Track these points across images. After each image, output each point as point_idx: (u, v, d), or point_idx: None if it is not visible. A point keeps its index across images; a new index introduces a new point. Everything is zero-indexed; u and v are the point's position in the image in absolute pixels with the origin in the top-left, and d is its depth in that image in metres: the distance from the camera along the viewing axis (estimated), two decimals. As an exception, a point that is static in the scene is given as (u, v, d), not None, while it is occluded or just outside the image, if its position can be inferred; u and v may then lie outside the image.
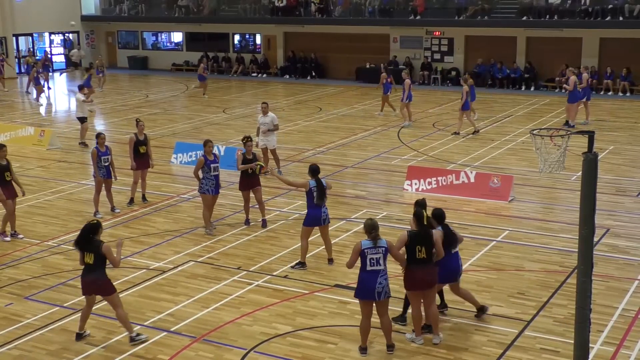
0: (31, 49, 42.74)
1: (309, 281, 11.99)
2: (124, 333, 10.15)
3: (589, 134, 7.45)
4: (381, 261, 9.25)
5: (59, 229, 14.78)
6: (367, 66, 37.45)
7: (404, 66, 34.07)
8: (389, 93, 26.90)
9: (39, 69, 32.73)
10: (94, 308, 10.92)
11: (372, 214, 15.37)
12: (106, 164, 15.34)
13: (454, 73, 35.50)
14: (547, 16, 33.24)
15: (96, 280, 9.69)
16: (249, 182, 14.55)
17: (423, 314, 9.87)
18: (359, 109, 29.25)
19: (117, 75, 37.24)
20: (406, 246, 9.51)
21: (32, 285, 11.95)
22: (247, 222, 14.85)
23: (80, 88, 23.41)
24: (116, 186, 16.14)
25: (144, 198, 16.47)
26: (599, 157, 7.55)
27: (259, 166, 14.36)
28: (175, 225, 14.93)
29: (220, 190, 14.52)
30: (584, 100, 24.72)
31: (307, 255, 12.70)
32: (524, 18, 33.90)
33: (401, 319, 10.35)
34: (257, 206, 14.84)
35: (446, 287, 10.62)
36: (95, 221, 9.89)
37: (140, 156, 16.12)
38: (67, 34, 44.79)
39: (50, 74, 36.63)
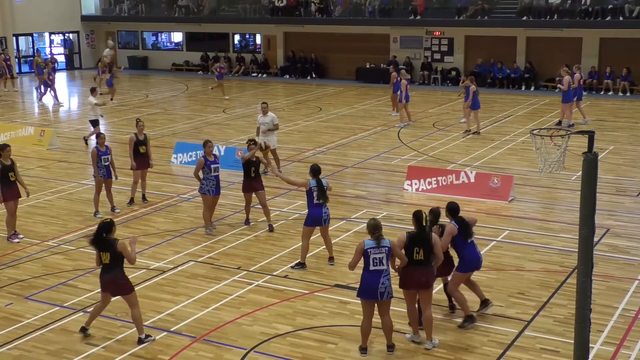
0: (39, 50, 42.68)
1: (309, 281, 11.99)
2: (124, 333, 10.17)
3: (589, 134, 7.45)
4: (384, 261, 9.26)
5: (59, 229, 14.78)
6: (367, 66, 37.46)
7: (403, 66, 34.02)
8: (399, 92, 26.85)
9: (50, 70, 32.50)
10: (93, 308, 10.94)
11: (372, 214, 15.37)
12: (106, 163, 15.35)
13: (454, 73, 35.50)
14: (547, 16, 33.23)
15: (114, 280, 9.72)
16: (252, 184, 14.47)
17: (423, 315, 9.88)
18: (359, 109, 29.25)
19: (116, 76, 37.22)
20: (405, 247, 9.52)
21: (32, 285, 11.95)
22: (247, 222, 14.84)
23: (93, 90, 22.89)
24: (116, 186, 16.14)
25: (144, 198, 16.48)
26: (599, 157, 7.55)
27: (263, 143, 14.87)
28: (175, 225, 14.93)
29: (221, 191, 14.49)
30: (575, 100, 24.76)
31: (307, 255, 12.71)
32: (524, 18, 33.89)
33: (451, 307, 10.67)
34: (258, 207, 14.82)
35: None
36: (108, 219, 9.91)
37: (140, 156, 16.12)
38: (67, 34, 44.76)
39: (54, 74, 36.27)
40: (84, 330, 10.12)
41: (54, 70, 34.25)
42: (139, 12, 43.90)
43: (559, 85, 24.49)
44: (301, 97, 32.67)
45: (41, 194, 17.32)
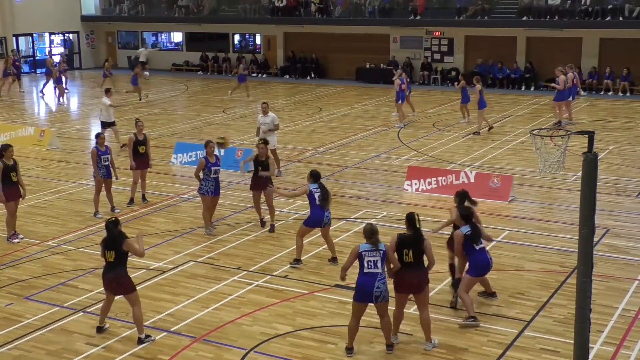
0: (50, 51, 42.67)
1: (309, 281, 11.99)
2: (124, 333, 10.17)
3: (589, 134, 7.45)
4: (378, 264, 9.23)
5: (59, 229, 14.78)
6: (367, 66, 37.46)
7: (400, 67, 33.99)
8: (408, 92, 26.86)
9: (60, 70, 32.29)
10: (93, 308, 10.96)
11: (372, 214, 15.39)
12: (106, 163, 15.35)
13: (454, 73, 35.50)
14: (547, 16, 33.23)
15: (116, 278, 9.78)
16: (261, 181, 14.34)
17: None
18: (359, 109, 29.25)
19: (117, 76, 37.18)
20: (395, 249, 9.51)
21: (32, 285, 11.95)
22: (262, 223, 14.65)
23: (107, 91, 22.50)
24: (116, 186, 16.14)
25: (144, 198, 16.47)
26: (599, 157, 7.55)
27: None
28: (175, 225, 14.93)
29: (220, 192, 14.48)
30: (569, 99, 24.86)
31: (307, 255, 12.72)
32: (524, 18, 33.89)
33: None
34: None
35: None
36: (114, 218, 9.98)
37: (140, 156, 16.12)
38: (67, 34, 44.76)
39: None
40: (99, 329, 10.19)
41: (64, 70, 34.06)
42: (139, 12, 43.89)
43: (554, 85, 24.58)
44: (301, 97, 32.67)
45: (41, 194, 17.32)
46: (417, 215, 9.65)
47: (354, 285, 11.26)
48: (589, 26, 32.36)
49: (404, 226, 9.72)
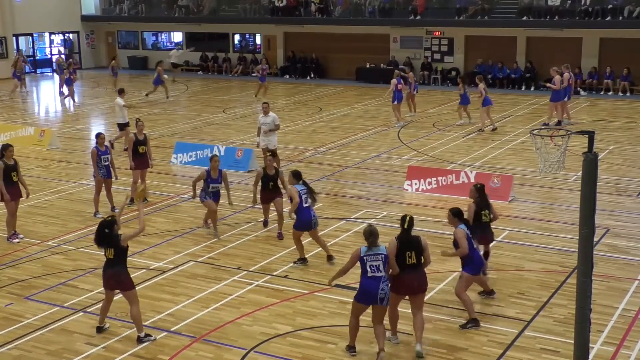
0: (61, 51, 42.62)
1: (309, 281, 11.99)
2: (124, 333, 10.17)
3: (589, 134, 7.45)
4: (381, 267, 9.22)
5: (59, 229, 14.78)
6: (367, 66, 37.46)
7: (395, 67, 33.96)
8: (415, 92, 26.84)
9: (71, 70, 32.12)
10: (93, 308, 10.95)
11: (372, 214, 15.39)
12: (106, 163, 15.35)
13: (454, 73, 35.51)
14: (547, 16, 33.23)
15: (115, 275, 9.79)
16: (270, 196, 14.04)
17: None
18: (359, 109, 29.25)
19: (175, 79, 37.42)
20: (397, 252, 9.47)
21: (32, 285, 11.95)
22: (265, 223, 14.63)
23: (121, 92, 22.12)
24: (116, 186, 16.14)
25: (144, 198, 16.45)
26: (599, 157, 7.55)
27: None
28: (175, 225, 14.92)
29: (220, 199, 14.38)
30: (566, 99, 24.92)
31: (307, 255, 12.74)
32: (524, 18, 33.89)
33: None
34: (257, 207, 14.81)
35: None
36: (110, 217, 10.01)
37: (140, 156, 16.13)
38: (67, 34, 44.77)
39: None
40: (99, 329, 10.20)
41: (74, 71, 33.97)
42: (139, 12, 43.90)
43: (550, 85, 24.65)
44: (301, 97, 32.66)
45: (41, 194, 17.32)
46: (408, 216, 9.62)
47: (354, 286, 11.27)
48: (589, 26, 32.36)
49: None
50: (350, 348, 9.55)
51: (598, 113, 27.53)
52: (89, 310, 10.95)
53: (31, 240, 14.13)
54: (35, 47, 43.24)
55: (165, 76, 31.60)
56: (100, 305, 11.02)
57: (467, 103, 24.91)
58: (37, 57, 43.25)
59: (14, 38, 41.25)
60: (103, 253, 9.94)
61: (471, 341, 9.92)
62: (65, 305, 11.17)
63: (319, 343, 9.90)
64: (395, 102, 25.02)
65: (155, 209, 16.02)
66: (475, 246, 10.48)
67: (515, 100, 30.65)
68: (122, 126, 21.46)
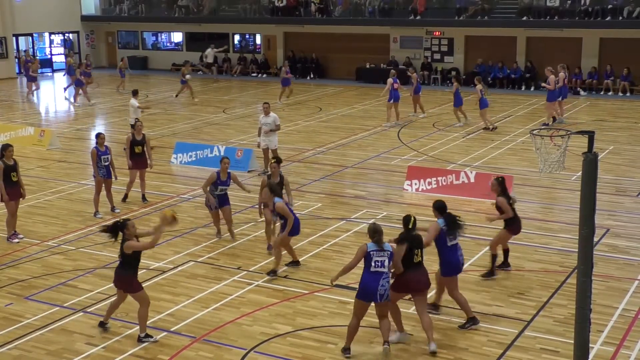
0: (71, 51, 42.58)
1: (309, 281, 11.99)
2: (124, 333, 10.17)
3: (589, 134, 7.45)
4: (385, 264, 9.28)
5: (59, 229, 14.78)
6: (367, 66, 37.46)
7: (393, 67, 33.92)
8: (420, 93, 26.82)
9: (82, 71, 31.85)
10: (93, 308, 10.96)
11: (372, 214, 15.39)
12: (106, 163, 15.35)
13: (454, 73, 35.48)
14: (547, 16, 33.23)
15: (117, 275, 9.90)
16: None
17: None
18: (359, 109, 29.25)
19: (117, 76, 37.24)
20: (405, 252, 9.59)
21: (32, 285, 11.95)
22: (269, 247, 13.21)
23: (135, 93, 22.05)
24: (116, 186, 16.14)
25: (143, 198, 16.47)
26: (599, 157, 7.55)
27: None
28: (176, 225, 14.88)
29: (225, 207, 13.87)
30: (560, 99, 24.98)
31: (307, 255, 12.76)
32: (524, 18, 33.89)
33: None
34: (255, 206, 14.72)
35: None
36: (121, 220, 9.96)
37: (137, 156, 16.14)
38: (67, 34, 44.77)
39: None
40: (102, 324, 10.25)
41: (87, 73, 33.88)
42: (139, 12, 43.90)
43: (545, 85, 24.73)
44: (301, 97, 32.65)
45: (41, 194, 17.32)
46: (413, 217, 9.78)
47: (354, 286, 11.27)
48: (589, 26, 32.36)
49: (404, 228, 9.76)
50: (346, 350, 9.54)
51: (598, 113, 27.53)
52: (89, 310, 10.96)
53: (31, 240, 14.13)
54: (35, 47, 43.22)
55: (188, 76, 31.09)
56: (99, 305, 11.06)
57: (460, 104, 24.79)
58: (37, 57, 43.18)
59: (14, 38, 41.24)
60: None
61: (471, 341, 9.92)
62: (65, 305, 11.17)
63: (319, 343, 9.90)
64: (392, 101, 25.01)
65: (155, 209, 16.01)
66: (452, 243, 10.30)
67: (515, 100, 30.65)
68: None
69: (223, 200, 13.77)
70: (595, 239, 10.64)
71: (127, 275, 9.81)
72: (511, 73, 34.30)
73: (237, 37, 42.54)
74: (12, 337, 10.17)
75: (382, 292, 9.25)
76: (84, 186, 17.93)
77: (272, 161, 13.50)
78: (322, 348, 9.76)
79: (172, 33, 45.00)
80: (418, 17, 36.02)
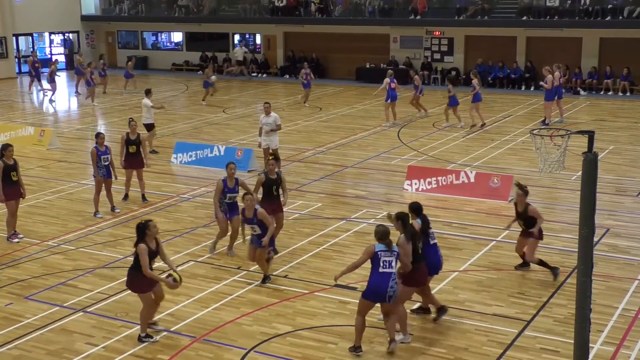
0: (80, 50, 42.56)
1: (309, 281, 11.99)
2: (124, 333, 10.17)
3: (589, 134, 7.45)
4: (393, 264, 9.35)
5: (59, 229, 14.78)
6: (367, 66, 37.46)
7: (391, 67, 33.87)
8: (421, 94, 26.77)
9: (92, 70, 31.64)
10: (93, 308, 10.96)
11: (372, 214, 15.39)
12: (106, 163, 15.35)
13: (453, 73, 35.49)
14: (547, 16, 33.23)
15: (130, 276, 9.87)
16: (273, 205, 12.78)
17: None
18: (359, 109, 29.25)
19: (117, 75, 37.25)
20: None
21: (32, 285, 11.94)
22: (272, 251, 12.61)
23: (148, 92, 21.61)
24: (116, 186, 16.13)
25: (143, 198, 16.46)
26: (599, 157, 7.55)
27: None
28: (176, 225, 14.92)
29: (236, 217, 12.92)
30: (556, 98, 25.00)
31: (307, 255, 12.76)
32: (524, 18, 33.89)
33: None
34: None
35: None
36: (143, 221, 9.86)
37: (131, 155, 16.16)
38: (67, 34, 44.78)
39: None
40: (145, 337, 9.98)
41: (102, 73, 33.77)
42: (139, 12, 43.90)
43: (542, 84, 24.76)
44: (301, 97, 32.61)
45: (41, 194, 17.31)
46: (408, 215, 10.03)
47: (354, 285, 11.28)
48: (589, 26, 32.36)
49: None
50: (357, 348, 9.54)
51: (598, 113, 27.53)
52: (89, 310, 10.95)
53: (31, 240, 14.13)
54: (35, 47, 43.22)
55: (213, 77, 30.65)
56: (99, 305, 11.06)
57: (456, 104, 24.75)
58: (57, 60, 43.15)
59: (14, 38, 41.25)
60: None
61: (471, 341, 9.92)
62: (65, 305, 11.17)
63: (319, 343, 9.90)
64: (389, 101, 25.02)
65: (155, 209, 16.01)
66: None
67: (515, 100, 30.65)
68: (149, 127, 21.19)
69: (233, 210, 12.93)
70: (596, 239, 10.65)
71: (133, 274, 9.81)
72: (511, 73, 34.29)
73: (237, 37, 42.53)
74: (12, 337, 10.17)
75: (392, 293, 9.32)
76: (84, 186, 17.93)
77: (270, 158, 13.20)
78: (322, 348, 9.76)
79: (172, 33, 45.00)
80: (418, 17, 36.02)
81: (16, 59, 41.75)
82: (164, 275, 9.92)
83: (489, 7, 35.09)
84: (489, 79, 34.45)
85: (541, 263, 11.91)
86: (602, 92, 32.31)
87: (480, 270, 12.37)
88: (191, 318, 10.64)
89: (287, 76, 39.32)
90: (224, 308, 11.00)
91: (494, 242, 13.76)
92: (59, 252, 13.48)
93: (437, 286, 11.55)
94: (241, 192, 12.62)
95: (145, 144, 16.59)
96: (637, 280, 11.91)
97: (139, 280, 9.76)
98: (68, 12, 43.45)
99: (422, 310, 10.66)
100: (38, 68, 35.31)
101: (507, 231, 14.29)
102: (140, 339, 9.88)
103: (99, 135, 15.55)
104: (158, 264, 11.36)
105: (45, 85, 33.93)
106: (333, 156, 20.81)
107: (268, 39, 41.02)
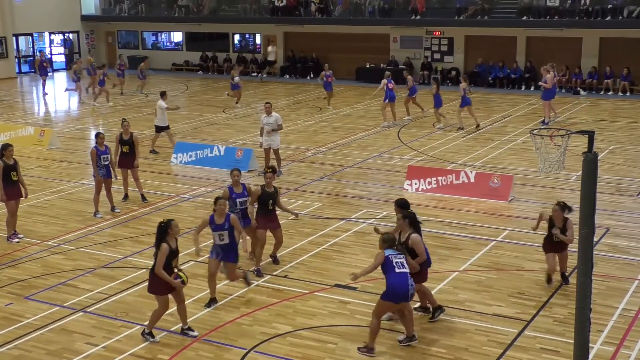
0: (89, 50, 42.48)
1: (309, 281, 11.99)
2: (124, 333, 10.17)
3: (589, 133, 7.45)
4: (404, 264, 9.50)
5: (59, 229, 14.78)
6: (367, 66, 37.46)
7: (389, 68, 33.89)
8: (414, 95, 26.71)
9: (105, 72, 31.47)
10: (93, 308, 10.96)
11: (372, 214, 15.39)
12: (106, 163, 15.35)
13: (453, 73, 35.51)
14: (547, 16, 33.23)
15: (151, 278, 9.86)
16: (268, 221, 12.35)
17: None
18: (359, 109, 29.25)
19: (111, 75, 37.26)
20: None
21: (32, 285, 11.94)
22: (258, 272, 12.28)
23: (163, 94, 21.57)
24: (115, 186, 16.13)
25: (143, 198, 16.46)
26: (599, 157, 7.55)
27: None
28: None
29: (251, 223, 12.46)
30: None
31: (307, 255, 12.75)
32: (524, 18, 33.89)
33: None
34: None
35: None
36: (164, 221, 9.81)
37: (123, 155, 16.17)
38: (67, 34, 44.77)
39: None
40: (187, 329, 10.16)
41: (120, 73, 33.69)
42: (139, 12, 43.89)
43: (541, 83, 24.81)
44: (301, 97, 32.66)
45: (41, 194, 17.31)
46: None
47: (354, 285, 11.29)
48: (589, 26, 32.36)
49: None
50: (370, 350, 9.55)
51: (598, 113, 27.52)
52: (88, 310, 10.95)
53: (31, 240, 14.13)
54: (35, 47, 43.22)
55: (237, 78, 30.15)
56: (99, 305, 11.06)
57: (439, 106, 24.75)
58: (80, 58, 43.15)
59: (14, 38, 41.24)
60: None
61: (471, 341, 9.92)
62: (65, 305, 11.17)
63: (319, 343, 9.90)
64: (387, 101, 25.03)
65: (156, 209, 16.01)
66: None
67: (515, 100, 30.64)
68: (161, 129, 21.10)
69: (245, 218, 12.29)
70: (596, 239, 10.65)
71: (151, 276, 9.81)
72: (511, 73, 34.29)
73: (237, 37, 42.54)
74: (12, 337, 10.17)
75: (412, 291, 9.51)
76: (84, 186, 17.93)
77: (268, 171, 12.65)
78: (322, 348, 9.76)
79: (172, 33, 44.99)
80: (418, 17, 36.02)
81: (16, 59, 41.74)
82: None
83: (489, 7, 35.08)
84: (489, 78, 34.46)
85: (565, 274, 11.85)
86: (602, 92, 32.30)
87: (480, 270, 12.37)
88: (191, 318, 10.62)
89: (287, 76, 39.31)
90: (224, 308, 11.00)
91: (494, 242, 13.76)
92: (59, 252, 13.48)
93: (437, 286, 11.56)
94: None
95: (137, 144, 16.45)
96: (637, 280, 11.91)
97: (158, 282, 9.76)
98: (68, 12, 43.44)
99: (422, 310, 10.68)
100: (46, 68, 35.19)
101: (507, 231, 14.32)
102: (143, 334, 9.93)
103: (98, 135, 15.55)
104: (143, 260, 11.34)
105: (70, 85, 33.84)
106: (333, 156, 20.81)
107: (268, 39, 41.00)
